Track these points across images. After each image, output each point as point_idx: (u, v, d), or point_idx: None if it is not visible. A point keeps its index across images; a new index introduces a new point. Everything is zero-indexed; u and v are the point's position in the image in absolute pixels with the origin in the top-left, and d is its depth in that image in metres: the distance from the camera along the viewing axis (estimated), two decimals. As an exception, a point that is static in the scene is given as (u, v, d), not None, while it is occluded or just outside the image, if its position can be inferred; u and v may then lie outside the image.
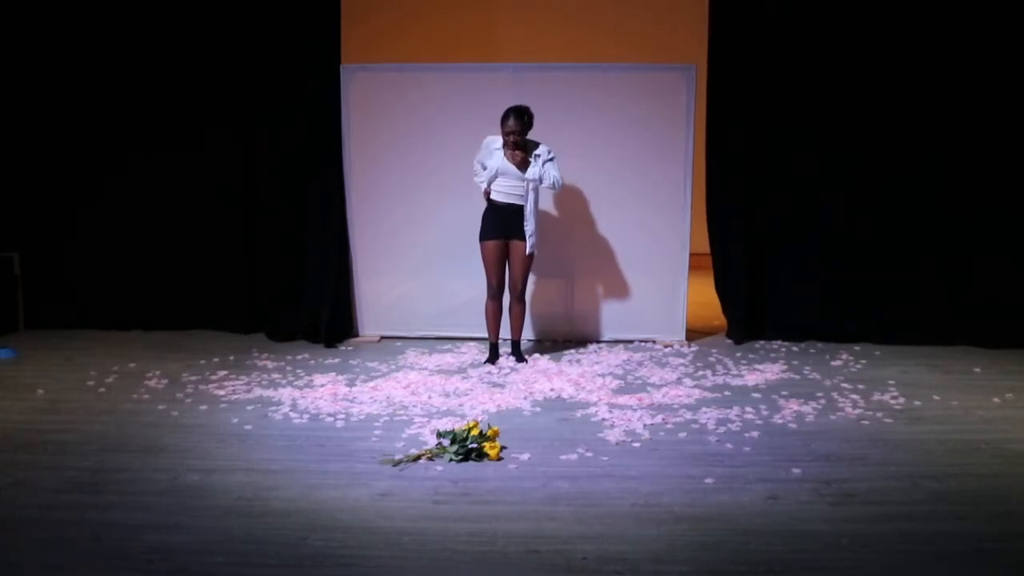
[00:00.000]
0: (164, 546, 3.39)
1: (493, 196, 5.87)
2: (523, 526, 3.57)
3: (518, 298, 6.05)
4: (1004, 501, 3.82)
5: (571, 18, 9.71)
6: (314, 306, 6.73)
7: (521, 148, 5.78)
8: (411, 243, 6.78)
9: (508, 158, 5.79)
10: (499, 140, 5.83)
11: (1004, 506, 3.77)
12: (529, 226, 5.84)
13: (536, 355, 6.29)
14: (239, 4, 6.64)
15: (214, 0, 6.67)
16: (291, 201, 6.74)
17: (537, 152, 5.83)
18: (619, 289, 6.77)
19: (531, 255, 5.94)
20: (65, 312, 7.11)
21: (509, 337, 6.19)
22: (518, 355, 6.13)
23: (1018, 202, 6.43)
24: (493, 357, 6.12)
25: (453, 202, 6.60)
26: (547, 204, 6.53)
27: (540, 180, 5.82)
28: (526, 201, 5.84)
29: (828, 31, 6.44)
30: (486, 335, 6.16)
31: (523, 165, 5.80)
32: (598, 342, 6.70)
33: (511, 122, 5.72)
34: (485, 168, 5.86)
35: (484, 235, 5.94)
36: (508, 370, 5.94)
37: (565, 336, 6.78)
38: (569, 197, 6.58)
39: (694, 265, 6.82)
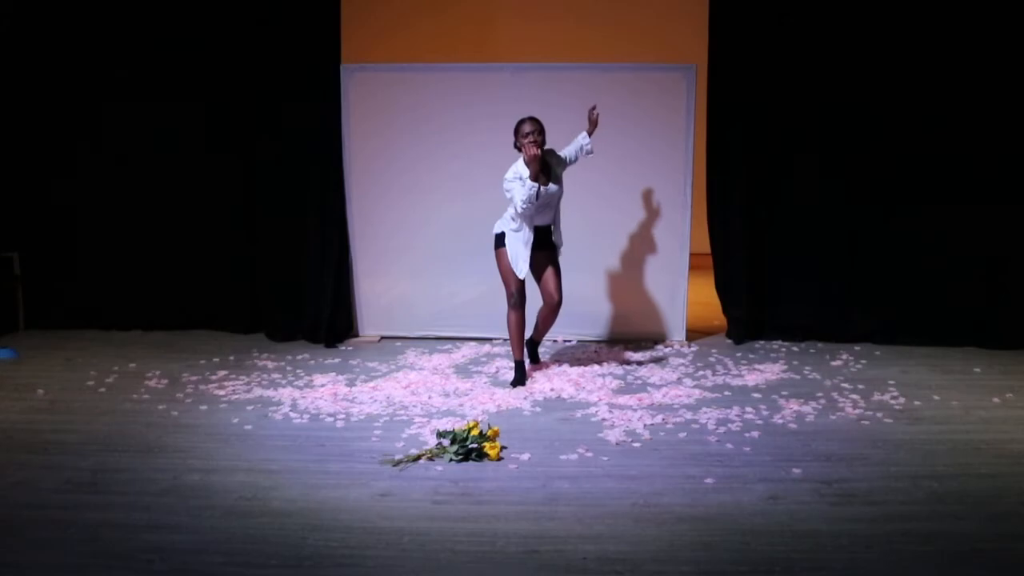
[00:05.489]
0: (164, 546, 3.39)
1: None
2: (523, 526, 3.57)
3: (555, 308, 5.66)
4: (1004, 501, 3.82)
5: (571, 18, 9.70)
6: (314, 306, 6.73)
7: (541, 157, 5.38)
8: (411, 243, 6.77)
9: (526, 161, 5.25)
10: (518, 166, 5.39)
11: (1004, 506, 3.77)
12: (556, 232, 5.62)
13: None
14: (239, 4, 6.64)
15: (215, 0, 6.67)
16: (291, 201, 6.73)
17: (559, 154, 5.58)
18: (619, 289, 6.77)
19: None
20: (65, 312, 7.10)
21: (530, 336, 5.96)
22: (535, 356, 5.98)
23: (1018, 202, 6.42)
24: (521, 378, 5.58)
25: (453, 202, 6.61)
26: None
27: (576, 158, 5.60)
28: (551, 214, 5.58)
29: (828, 31, 6.42)
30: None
31: (542, 167, 5.38)
32: (598, 342, 6.70)
33: (527, 125, 5.29)
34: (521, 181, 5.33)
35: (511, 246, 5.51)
36: (508, 370, 5.93)
37: (566, 336, 6.78)
38: (568, 197, 6.55)
39: (694, 265, 6.83)
